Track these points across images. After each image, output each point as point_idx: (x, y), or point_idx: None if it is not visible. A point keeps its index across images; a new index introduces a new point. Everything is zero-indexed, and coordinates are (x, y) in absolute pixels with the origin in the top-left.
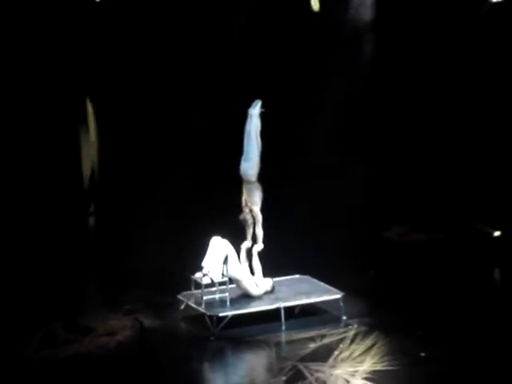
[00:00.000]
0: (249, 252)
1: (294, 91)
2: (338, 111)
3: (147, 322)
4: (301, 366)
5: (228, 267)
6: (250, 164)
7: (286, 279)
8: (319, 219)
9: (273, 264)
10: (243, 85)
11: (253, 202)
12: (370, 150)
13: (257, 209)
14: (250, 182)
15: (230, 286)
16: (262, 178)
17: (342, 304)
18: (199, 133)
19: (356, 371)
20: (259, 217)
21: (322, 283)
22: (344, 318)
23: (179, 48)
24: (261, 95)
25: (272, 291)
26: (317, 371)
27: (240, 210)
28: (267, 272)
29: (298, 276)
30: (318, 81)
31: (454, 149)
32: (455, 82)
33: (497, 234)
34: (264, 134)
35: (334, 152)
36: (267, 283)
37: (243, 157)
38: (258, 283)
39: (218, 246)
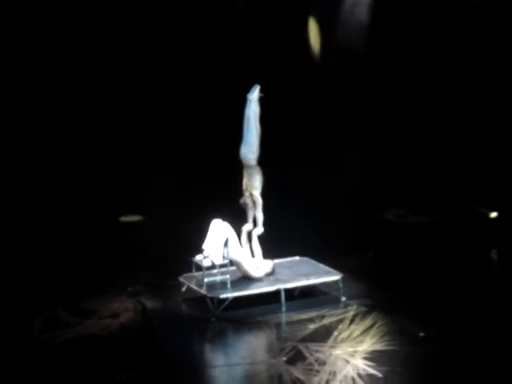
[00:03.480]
0: (249, 235)
1: (292, 76)
2: (335, 94)
3: (149, 304)
4: (301, 347)
5: (229, 250)
6: (250, 148)
7: (286, 261)
8: (318, 202)
9: (273, 246)
10: (242, 70)
11: (253, 186)
12: (367, 133)
13: (257, 193)
14: (249, 167)
15: (231, 269)
16: (262, 162)
17: (341, 285)
18: (199, 118)
19: (355, 351)
20: (259, 200)
21: (321, 265)
22: (343, 298)
23: (177, 32)
24: (259, 80)
25: (272, 273)
26: (317, 351)
27: (241, 193)
28: (267, 254)
29: (297, 258)
30: (314, 66)
31: (452, 131)
32: (450, 65)
33: (494, 215)
34: (263, 118)
35: (333, 135)
36: (267, 265)
37: (243, 141)
38: (258, 265)
39: (219, 229)
